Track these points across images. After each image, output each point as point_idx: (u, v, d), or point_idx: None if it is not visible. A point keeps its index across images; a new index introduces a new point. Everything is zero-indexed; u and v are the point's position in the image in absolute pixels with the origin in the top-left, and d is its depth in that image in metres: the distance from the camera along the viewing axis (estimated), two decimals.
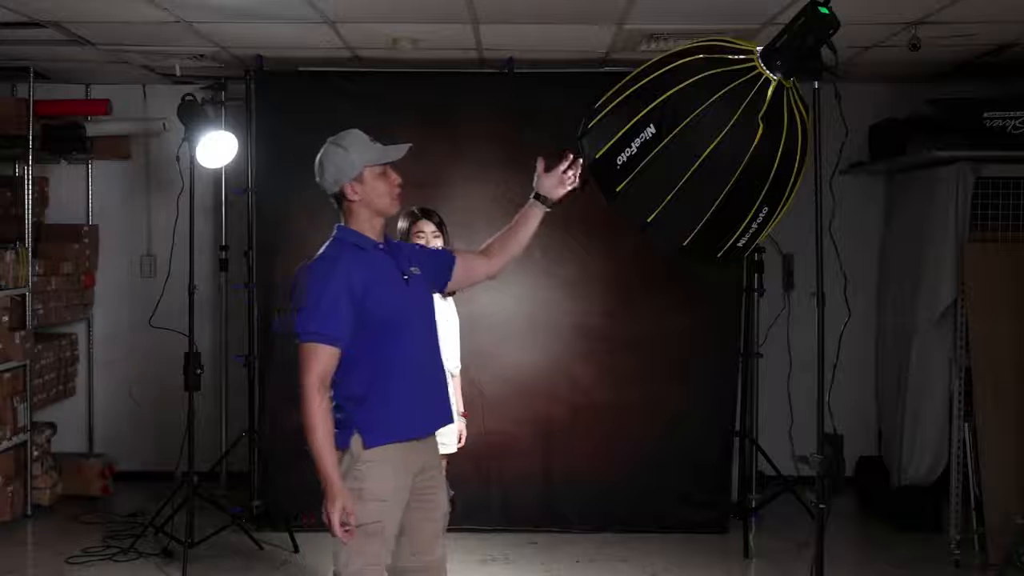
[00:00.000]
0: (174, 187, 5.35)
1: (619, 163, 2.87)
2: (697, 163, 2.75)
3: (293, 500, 5.47)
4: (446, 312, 4.21)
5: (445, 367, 3.22)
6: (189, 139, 5.08)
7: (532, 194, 3.28)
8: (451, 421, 3.35)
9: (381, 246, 3.04)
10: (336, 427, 2.89)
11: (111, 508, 6.03)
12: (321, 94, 5.62)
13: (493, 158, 5.49)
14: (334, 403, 2.91)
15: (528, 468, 5.59)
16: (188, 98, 5.08)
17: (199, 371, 5.26)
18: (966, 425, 5.23)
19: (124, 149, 6.52)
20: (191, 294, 5.10)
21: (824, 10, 2.72)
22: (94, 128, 6.28)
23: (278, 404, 5.60)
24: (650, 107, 2.80)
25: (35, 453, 5.89)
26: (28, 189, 5.93)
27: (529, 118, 5.51)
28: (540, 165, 3.25)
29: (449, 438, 4.05)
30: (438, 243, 4.13)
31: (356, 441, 2.91)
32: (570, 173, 3.20)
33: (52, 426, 6.22)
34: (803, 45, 2.75)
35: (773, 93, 2.75)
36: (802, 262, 6.25)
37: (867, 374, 6.49)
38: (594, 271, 5.63)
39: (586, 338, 5.63)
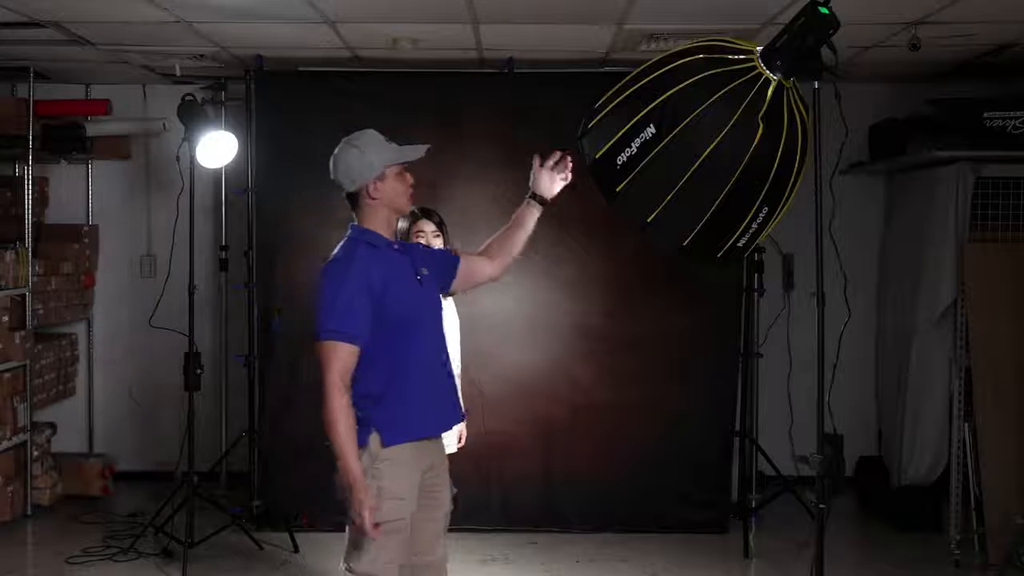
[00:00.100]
0: (174, 187, 5.35)
1: (619, 163, 2.88)
2: (697, 163, 2.75)
3: (293, 500, 5.48)
4: (447, 312, 4.20)
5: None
6: (189, 139, 5.08)
7: (528, 194, 3.31)
8: (461, 421, 3.38)
9: (396, 246, 3.09)
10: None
11: (111, 508, 6.03)
12: (321, 94, 5.63)
13: (493, 158, 5.49)
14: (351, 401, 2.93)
15: (528, 468, 5.59)
16: (188, 98, 5.08)
17: (199, 371, 5.26)
18: (966, 425, 5.23)
19: (124, 149, 6.52)
20: (191, 294, 5.09)
21: (824, 10, 2.72)
22: (94, 128, 6.28)
23: (278, 404, 5.61)
24: (650, 107, 2.81)
25: (35, 453, 5.89)
26: (28, 189, 5.93)
27: (529, 118, 5.51)
28: (536, 162, 3.28)
29: (450, 438, 4.05)
30: (438, 243, 4.13)
31: (374, 439, 2.93)
32: (562, 168, 3.24)
33: (52, 426, 6.22)
34: (803, 45, 2.75)
35: (773, 93, 2.75)
36: (802, 262, 6.25)
37: (867, 374, 6.49)
38: (594, 271, 5.63)
39: (586, 338, 5.63)
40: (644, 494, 5.59)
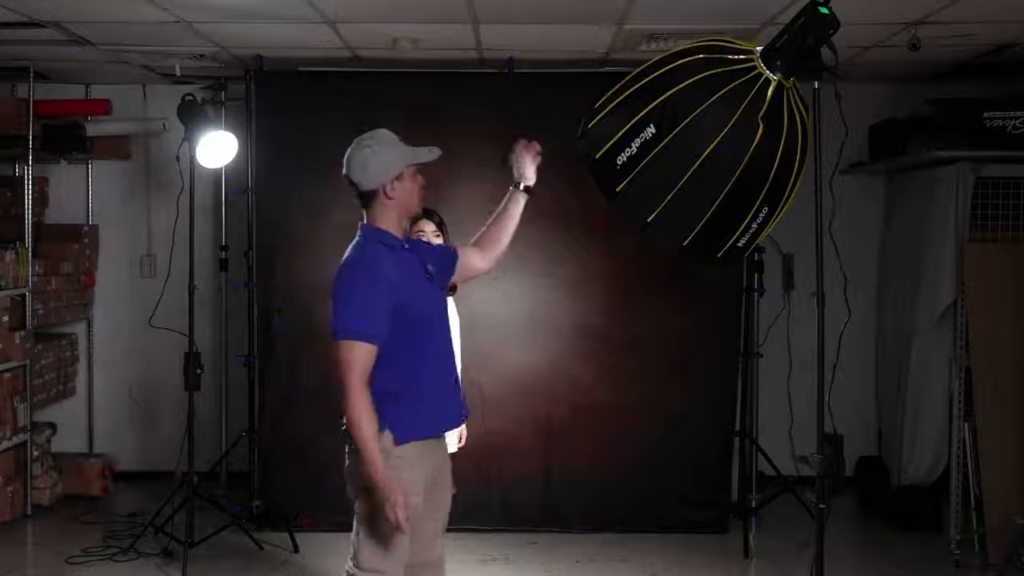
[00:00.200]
0: (174, 187, 5.35)
1: (619, 163, 2.88)
2: (697, 163, 2.76)
3: (293, 500, 5.49)
4: (449, 312, 4.21)
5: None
6: (189, 139, 5.08)
7: (511, 184, 3.36)
8: (465, 417, 3.40)
9: (407, 245, 3.11)
10: None
11: (111, 508, 6.03)
12: (321, 94, 5.63)
13: (493, 158, 5.40)
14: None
15: (528, 468, 5.59)
16: (188, 98, 5.08)
17: (199, 371, 5.26)
18: (966, 425, 5.23)
19: (124, 149, 6.52)
20: (191, 294, 5.09)
21: (824, 10, 2.72)
22: (94, 128, 6.28)
23: (278, 404, 5.61)
24: (650, 107, 2.81)
25: (35, 453, 5.89)
26: (28, 189, 5.93)
27: (529, 118, 5.49)
28: (517, 150, 3.35)
29: (450, 438, 4.04)
30: (438, 242, 4.14)
31: (387, 437, 2.94)
32: (532, 149, 3.34)
33: (52, 426, 6.22)
34: (803, 45, 2.75)
35: (773, 93, 2.75)
36: (802, 262, 6.25)
37: (867, 374, 6.49)
38: (594, 271, 5.63)
39: (586, 338, 5.63)
40: (644, 494, 5.59)
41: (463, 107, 5.59)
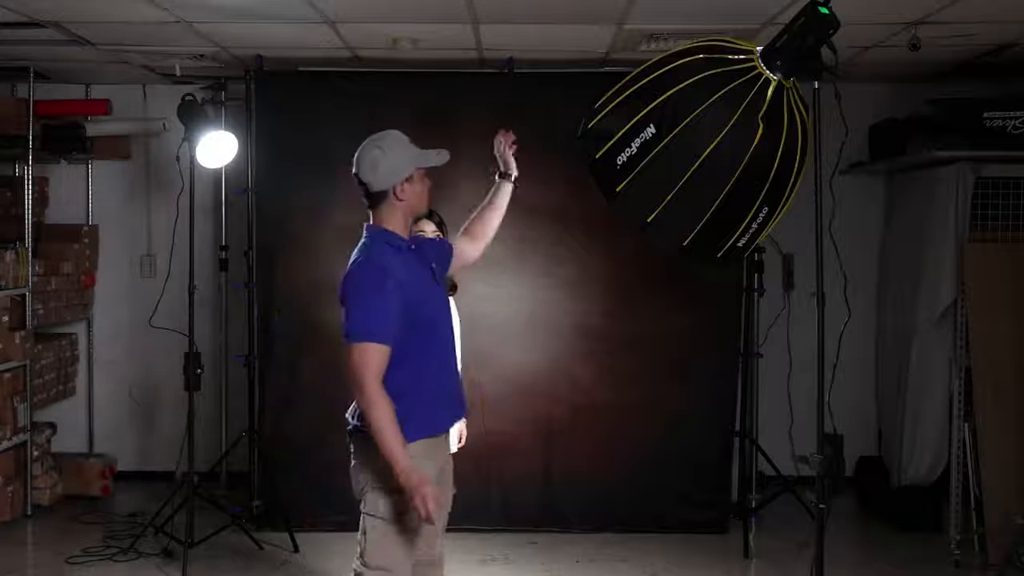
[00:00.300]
0: (174, 187, 5.35)
1: (619, 163, 2.88)
2: (697, 163, 2.76)
3: (293, 500, 5.48)
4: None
5: None
6: (189, 139, 5.08)
7: (496, 175, 3.45)
8: (464, 414, 3.41)
9: (412, 246, 3.12)
10: None
11: (111, 508, 6.03)
12: (321, 94, 5.63)
13: (491, 153, 5.47)
14: None
15: (528, 468, 5.59)
16: (188, 98, 5.08)
17: (199, 371, 5.26)
18: (966, 425, 5.23)
19: (124, 149, 6.52)
20: (191, 294, 5.09)
21: (824, 10, 2.72)
22: (94, 128, 6.28)
23: (278, 404, 5.61)
24: (650, 107, 2.81)
25: (35, 453, 5.89)
26: (28, 189, 5.93)
27: (529, 118, 5.49)
28: (498, 144, 3.46)
29: (451, 437, 4.06)
30: None
31: None
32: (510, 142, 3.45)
33: (52, 426, 6.22)
34: (803, 45, 2.76)
35: (773, 93, 2.75)
36: (802, 262, 6.25)
37: (867, 374, 6.49)
38: (594, 271, 5.63)
39: (586, 338, 5.63)
40: (644, 494, 5.59)
41: (463, 107, 5.58)
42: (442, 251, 3.33)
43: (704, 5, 4.53)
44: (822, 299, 3.04)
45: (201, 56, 5.64)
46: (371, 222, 3.10)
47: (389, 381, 2.91)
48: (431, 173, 3.14)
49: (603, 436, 5.60)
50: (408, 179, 3.02)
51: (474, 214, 3.45)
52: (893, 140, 5.79)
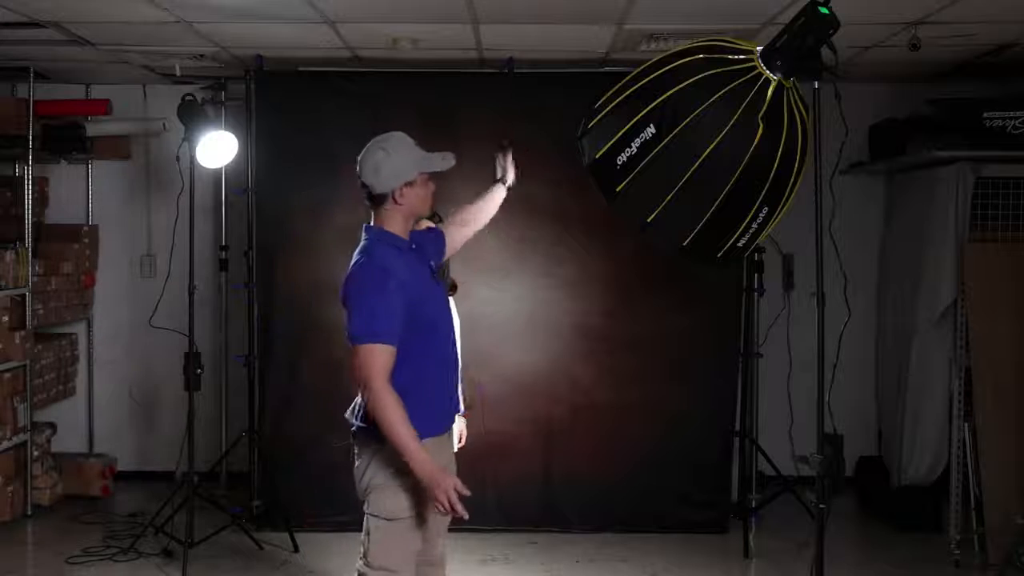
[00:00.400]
0: (174, 187, 5.35)
1: (619, 163, 2.88)
2: (697, 163, 2.75)
3: (293, 500, 5.48)
4: None
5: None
6: (189, 139, 5.08)
7: (496, 180, 3.57)
8: (459, 412, 3.43)
9: (413, 247, 3.13)
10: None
11: (111, 508, 6.03)
12: (321, 94, 5.63)
13: (493, 158, 5.47)
14: None
15: (528, 468, 5.59)
16: (188, 98, 5.08)
17: (199, 371, 5.26)
18: (966, 425, 5.23)
19: (124, 149, 6.52)
20: (191, 294, 5.09)
21: (824, 10, 2.72)
22: (94, 128, 6.28)
23: (278, 404, 5.61)
24: (650, 107, 2.81)
25: (35, 453, 5.89)
26: (28, 189, 5.93)
27: (529, 118, 5.51)
28: (500, 158, 3.57)
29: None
30: None
31: None
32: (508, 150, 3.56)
33: (52, 426, 6.22)
34: (803, 45, 2.75)
35: (773, 93, 2.75)
36: (802, 262, 6.25)
37: (867, 374, 6.49)
38: (594, 271, 5.63)
39: (586, 338, 5.63)
40: (644, 494, 5.59)
41: (463, 107, 5.59)
42: (437, 243, 3.36)
43: (704, 5, 4.53)
44: (822, 299, 3.04)
45: (201, 56, 5.64)
46: (371, 223, 3.10)
47: (393, 381, 2.91)
48: (435, 175, 3.14)
49: (603, 436, 5.60)
50: (409, 183, 3.02)
51: (469, 204, 3.55)
52: (893, 140, 5.79)
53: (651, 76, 2.89)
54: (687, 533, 5.53)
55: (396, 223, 3.07)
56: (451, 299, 4.30)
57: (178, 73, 5.94)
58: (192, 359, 5.21)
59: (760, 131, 2.74)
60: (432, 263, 3.19)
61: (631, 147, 2.84)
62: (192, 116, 5.04)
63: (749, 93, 2.74)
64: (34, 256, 5.88)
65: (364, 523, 3.06)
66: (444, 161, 3.10)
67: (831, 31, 2.74)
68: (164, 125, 6.19)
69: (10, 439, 5.63)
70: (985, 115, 5.29)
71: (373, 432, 2.94)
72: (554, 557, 5.23)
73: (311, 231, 5.58)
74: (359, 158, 3.07)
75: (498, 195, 3.57)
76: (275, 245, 5.64)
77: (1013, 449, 5.15)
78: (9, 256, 5.64)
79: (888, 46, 5.13)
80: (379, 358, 2.87)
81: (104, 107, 6.41)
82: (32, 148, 5.96)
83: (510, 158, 3.57)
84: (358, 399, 3.04)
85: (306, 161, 5.55)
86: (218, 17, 4.78)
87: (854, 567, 5.13)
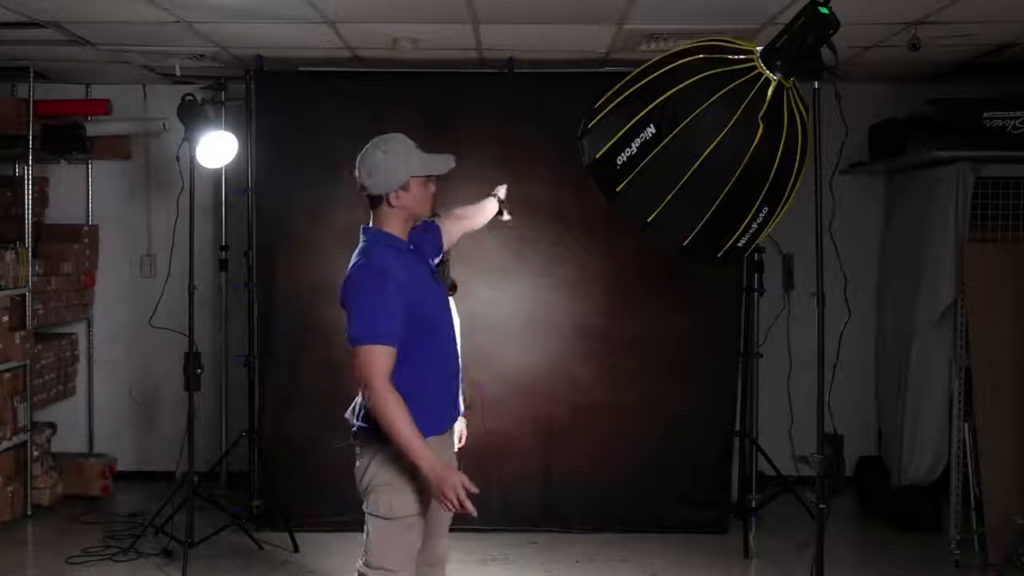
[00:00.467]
0: (174, 187, 5.35)
1: (619, 163, 2.88)
2: (697, 163, 2.75)
3: (293, 500, 5.48)
4: None
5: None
6: (189, 139, 5.08)
7: (493, 195, 3.75)
8: (460, 412, 3.44)
9: (411, 247, 3.13)
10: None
11: (111, 508, 6.03)
12: (321, 94, 5.63)
13: (493, 158, 5.48)
14: None
15: (528, 468, 5.59)
16: (188, 98, 5.08)
17: (199, 371, 5.26)
18: (966, 425, 5.23)
19: (124, 149, 6.52)
20: (191, 294, 5.09)
21: (824, 10, 2.72)
22: (94, 128, 6.28)
23: (278, 404, 5.62)
24: (650, 107, 2.81)
25: (35, 453, 5.89)
26: (28, 189, 5.93)
27: (529, 118, 5.52)
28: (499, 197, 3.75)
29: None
30: None
31: None
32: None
33: (52, 426, 6.22)
34: (803, 45, 2.75)
35: (773, 93, 2.75)
36: (802, 262, 6.25)
37: (867, 374, 6.49)
38: (594, 271, 5.63)
39: (586, 338, 5.63)
40: (644, 494, 5.59)
41: (463, 107, 5.59)
42: (435, 239, 3.36)
43: (704, 5, 4.52)
44: (822, 299, 3.04)
45: (201, 56, 5.64)
46: (370, 224, 3.10)
47: (393, 381, 2.92)
48: (436, 176, 3.13)
49: (603, 436, 5.60)
50: (404, 187, 3.02)
51: (465, 208, 3.65)
52: (893, 140, 5.79)
53: (651, 76, 2.89)
54: (687, 533, 5.53)
55: (394, 224, 3.07)
56: (451, 299, 4.31)
57: (178, 73, 5.94)
58: (192, 359, 5.21)
59: (760, 131, 2.74)
60: (431, 263, 3.19)
61: (631, 147, 2.84)
62: (192, 116, 5.04)
63: (749, 93, 2.74)
64: (34, 256, 5.88)
65: (365, 523, 3.07)
66: (443, 164, 3.10)
67: (831, 31, 2.74)
68: (164, 125, 6.19)
69: (10, 439, 5.63)
70: (985, 115, 5.29)
71: (374, 432, 2.94)
72: (554, 557, 5.24)
73: (311, 231, 5.58)
74: (358, 159, 3.07)
75: (489, 206, 3.66)
76: (275, 245, 5.64)
77: (1013, 449, 5.15)
78: (9, 256, 5.64)
79: (888, 46, 5.13)
80: (379, 359, 2.87)
81: (104, 107, 6.41)
82: (32, 148, 5.96)
83: (503, 190, 3.74)
84: (358, 399, 3.04)
85: (306, 161, 5.56)
86: (218, 17, 4.78)
87: (854, 567, 5.13)
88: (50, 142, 6.16)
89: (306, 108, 5.61)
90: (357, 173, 3.07)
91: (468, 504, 2.85)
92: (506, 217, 3.75)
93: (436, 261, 3.34)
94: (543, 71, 5.71)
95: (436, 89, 5.63)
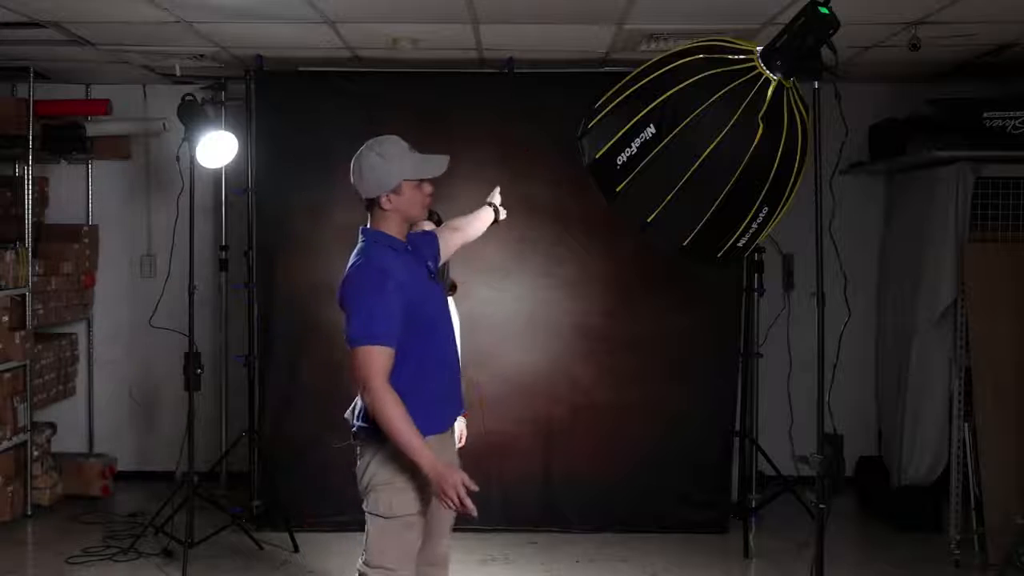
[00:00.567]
0: (174, 187, 5.35)
1: (619, 163, 2.88)
2: (697, 163, 2.75)
3: (293, 500, 5.48)
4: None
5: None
6: (189, 139, 5.08)
7: (490, 204, 3.73)
8: (462, 411, 3.44)
9: (409, 248, 3.13)
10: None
11: (111, 508, 6.03)
12: (321, 94, 5.63)
13: (493, 158, 5.49)
14: None
15: (528, 468, 5.59)
16: (188, 98, 5.08)
17: (199, 371, 5.26)
18: (966, 425, 5.23)
19: (124, 149, 6.52)
20: (191, 294, 5.09)
21: (824, 10, 2.72)
22: (94, 128, 6.28)
23: (278, 404, 5.62)
24: (650, 107, 2.81)
25: (35, 453, 5.89)
26: (28, 189, 5.93)
27: (529, 118, 5.52)
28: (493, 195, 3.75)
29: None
30: None
31: None
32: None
33: (52, 426, 6.22)
34: (803, 45, 2.75)
35: (773, 93, 2.75)
36: (802, 262, 6.25)
37: (867, 374, 6.49)
38: (594, 271, 5.63)
39: (586, 338, 5.63)
40: (644, 494, 5.59)
41: (463, 107, 5.59)
42: (432, 246, 3.36)
43: (704, 5, 4.53)
44: (822, 299, 3.04)
45: (201, 56, 5.64)
46: (368, 225, 3.10)
47: (392, 381, 2.92)
48: (433, 177, 3.13)
49: (603, 436, 5.60)
50: (395, 190, 3.02)
51: (463, 217, 3.64)
52: (893, 140, 5.79)
53: (651, 76, 2.89)
54: (687, 533, 5.53)
55: (391, 225, 3.07)
56: (451, 299, 4.31)
57: (178, 73, 5.94)
58: (192, 359, 5.21)
59: (760, 131, 2.74)
60: (429, 263, 3.19)
61: (631, 147, 2.84)
62: (192, 116, 5.04)
63: (749, 93, 2.74)
64: (34, 256, 5.88)
65: (365, 522, 3.07)
66: (436, 166, 3.09)
67: (831, 31, 2.74)
68: (164, 125, 6.19)
69: (10, 439, 5.63)
70: (985, 115, 5.29)
71: (374, 431, 2.94)
72: (554, 557, 5.24)
73: (311, 231, 5.58)
74: (352, 161, 3.07)
75: (485, 215, 3.66)
76: (275, 245, 5.64)
77: (1013, 449, 5.15)
78: (9, 256, 5.64)
79: (888, 46, 5.13)
80: (378, 359, 2.87)
81: (104, 107, 6.41)
82: (32, 148, 5.96)
83: (497, 193, 3.74)
84: (358, 399, 3.04)
85: (306, 161, 5.55)
86: (218, 17, 4.78)
87: (854, 567, 5.13)
88: (50, 142, 6.16)
89: (306, 108, 5.61)
90: (351, 176, 3.07)
91: (468, 502, 2.85)
92: (502, 217, 3.75)
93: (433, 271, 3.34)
94: (543, 71, 5.71)
95: (436, 89, 5.63)
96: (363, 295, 2.93)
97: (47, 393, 6.12)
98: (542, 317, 5.64)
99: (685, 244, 2.93)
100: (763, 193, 2.83)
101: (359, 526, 3.11)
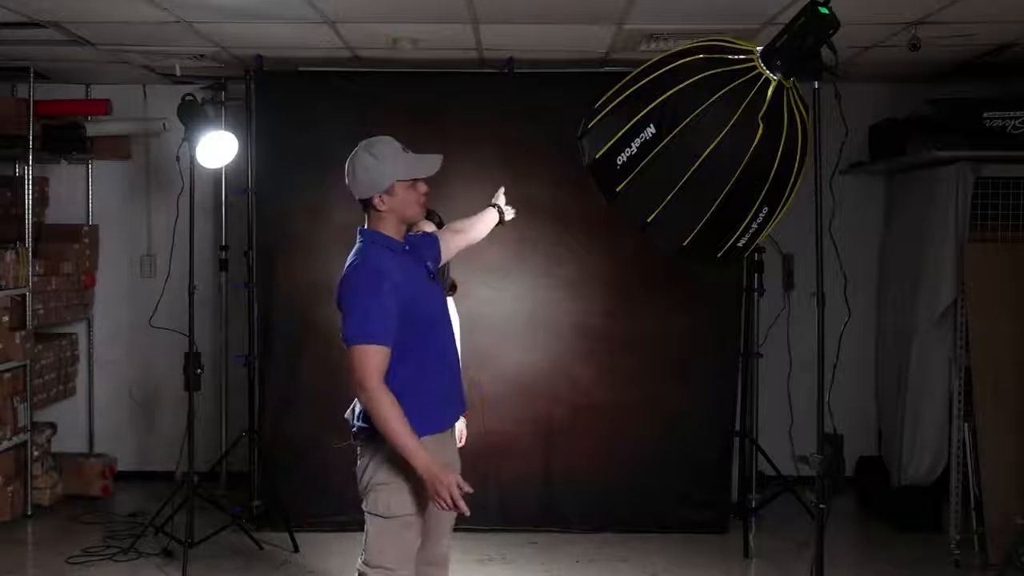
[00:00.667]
0: (174, 187, 5.35)
1: (619, 163, 2.88)
2: (697, 163, 2.75)
3: (293, 500, 5.48)
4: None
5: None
6: (189, 139, 5.08)
7: (493, 206, 3.73)
8: (465, 409, 3.44)
9: (407, 248, 3.13)
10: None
11: (111, 508, 6.03)
12: (321, 94, 5.63)
13: (493, 158, 5.49)
14: None
15: (528, 468, 5.59)
16: (188, 98, 5.08)
17: (199, 371, 5.26)
18: (966, 425, 5.23)
19: (124, 149, 6.52)
20: (191, 294, 5.09)
21: (824, 10, 2.72)
22: (94, 128, 6.28)
23: (278, 404, 5.62)
24: (650, 107, 2.81)
25: (35, 453, 5.89)
26: (28, 189, 5.93)
27: (529, 118, 5.52)
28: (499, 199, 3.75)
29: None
30: None
31: None
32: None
33: (52, 426, 6.22)
34: (803, 45, 2.75)
35: (773, 93, 2.75)
36: (802, 262, 6.25)
37: (867, 374, 6.49)
38: (594, 271, 5.63)
39: (586, 338, 5.63)
40: (644, 494, 5.59)
41: (463, 107, 5.59)
42: (432, 247, 3.36)
43: (704, 5, 4.53)
44: (822, 299, 3.04)
45: (201, 56, 5.64)
46: (365, 225, 3.10)
47: (390, 380, 2.92)
48: (429, 176, 3.13)
49: (603, 436, 5.60)
50: (387, 191, 3.02)
51: (466, 219, 3.65)
52: (893, 140, 5.79)
53: (651, 76, 2.89)
54: (687, 533, 5.53)
55: (388, 226, 3.07)
56: (451, 299, 4.31)
57: (178, 73, 5.94)
58: (192, 359, 5.21)
59: (760, 131, 2.74)
60: (428, 263, 3.19)
61: (631, 147, 2.84)
62: (192, 116, 5.04)
63: (749, 93, 2.74)
64: (34, 256, 5.88)
65: (365, 521, 3.07)
66: (429, 166, 3.08)
67: (831, 31, 2.74)
68: (164, 125, 6.20)
69: (10, 439, 5.63)
70: (985, 115, 5.29)
71: (374, 432, 2.94)
72: (554, 557, 5.24)
73: (311, 231, 5.58)
74: (347, 161, 3.08)
75: (488, 217, 3.66)
76: (275, 245, 5.65)
77: (1013, 449, 5.15)
78: (9, 256, 5.64)
79: (888, 46, 5.13)
80: (373, 359, 2.88)
81: (104, 107, 6.41)
82: (32, 148, 5.96)
83: (502, 194, 3.74)
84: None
85: (306, 161, 5.55)
86: (218, 17, 4.78)
87: (854, 567, 5.13)
88: (50, 142, 6.16)
89: (306, 108, 5.61)
90: (346, 177, 3.08)
91: (462, 503, 2.85)
92: (508, 217, 3.74)
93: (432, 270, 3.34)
94: (543, 71, 5.71)
95: (436, 89, 5.63)
96: (359, 295, 2.93)
97: (47, 393, 6.12)
98: (542, 317, 5.64)
99: (685, 244, 2.93)
100: (763, 193, 2.83)
101: (359, 526, 3.12)
